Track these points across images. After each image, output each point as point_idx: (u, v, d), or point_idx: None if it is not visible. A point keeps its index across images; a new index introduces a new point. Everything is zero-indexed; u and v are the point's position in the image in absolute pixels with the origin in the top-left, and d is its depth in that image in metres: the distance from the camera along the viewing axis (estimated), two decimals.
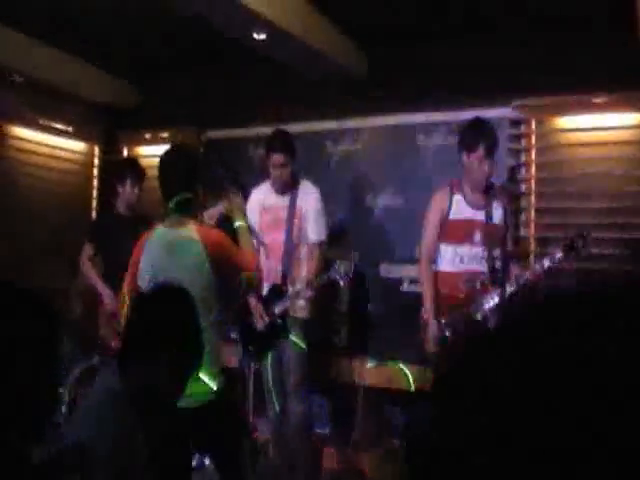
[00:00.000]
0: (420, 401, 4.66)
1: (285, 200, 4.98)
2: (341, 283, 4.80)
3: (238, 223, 3.97)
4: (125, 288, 4.06)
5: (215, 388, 3.54)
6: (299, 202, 4.94)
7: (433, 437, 0.74)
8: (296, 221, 4.92)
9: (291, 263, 4.91)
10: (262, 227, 5.03)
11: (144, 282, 3.60)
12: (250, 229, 4.24)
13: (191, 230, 3.62)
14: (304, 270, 4.90)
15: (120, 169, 6.04)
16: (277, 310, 4.79)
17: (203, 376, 3.46)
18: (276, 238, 4.94)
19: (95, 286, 5.66)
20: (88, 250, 5.74)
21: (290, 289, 4.84)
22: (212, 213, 5.00)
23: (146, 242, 3.74)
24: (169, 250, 3.61)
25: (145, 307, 2.74)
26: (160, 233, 3.71)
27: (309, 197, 4.96)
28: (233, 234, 3.91)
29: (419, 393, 4.98)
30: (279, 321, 4.80)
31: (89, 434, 2.36)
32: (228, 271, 3.69)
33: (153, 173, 5.94)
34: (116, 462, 2.35)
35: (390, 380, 5.35)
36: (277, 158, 4.86)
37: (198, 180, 3.76)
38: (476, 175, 4.39)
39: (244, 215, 4.12)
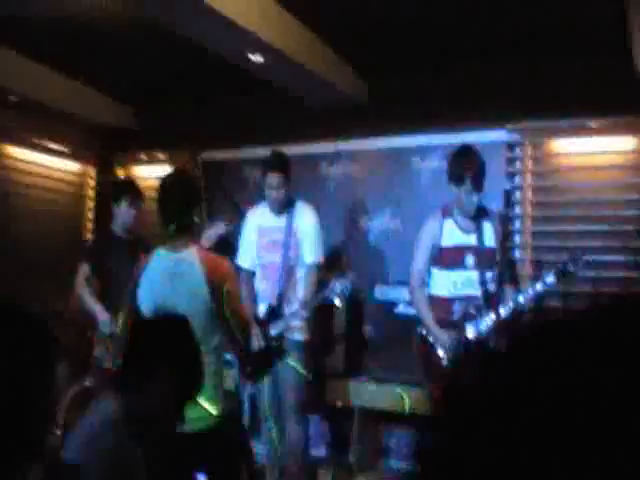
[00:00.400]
0: (427, 422, 4.63)
1: (281, 221, 4.96)
2: (337, 303, 4.77)
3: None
4: (124, 313, 4.04)
5: (216, 413, 3.52)
6: (295, 223, 4.93)
7: (451, 456, 0.73)
8: (292, 242, 4.90)
9: (288, 284, 4.89)
10: (258, 248, 5.02)
11: (144, 307, 3.57)
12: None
13: (192, 253, 3.60)
14: (300, 291, 4.88)
15: (116, 189, 6.01)
16: (273, 331, 4.77)
17: (203, 402, 3.44)
18: (273, 259, 4.93)
19: (90, 307, 5.62)
20: (84, 270, 5.69)
21: (286, 310, 4.82)
22: (210, 234, 5.00)
23: (145, 266, 3.71)
24: (169, 274, 3.58)
25: (145, 333, 2.73)
26: (160, 257, 3.68)
27: (306, 218, 4.95)
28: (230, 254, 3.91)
29: (415, 415, 4.96)
30: (275, 343, 4.77)
31: (86, 458, 2.34)
32: (225, 299, 3.60)
33: (149, 194, 5.99)
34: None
35: (386, 402, 5.33)
36: (273, 178, 4.85)
37: (198, 206, 3.77)
38: (465, 205, 4.41)
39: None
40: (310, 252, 4.91)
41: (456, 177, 4.36)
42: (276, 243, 4.95)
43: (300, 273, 4.93)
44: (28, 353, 1.77)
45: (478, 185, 4.32)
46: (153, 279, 3.62)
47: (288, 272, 4.90)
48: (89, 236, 7.31)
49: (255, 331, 4.79)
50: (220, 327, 3.65)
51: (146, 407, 2.55)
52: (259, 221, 5.07)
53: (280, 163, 4.92)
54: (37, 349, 1.80)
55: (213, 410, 3.51)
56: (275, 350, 4.78)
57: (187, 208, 3.69)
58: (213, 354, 3.56)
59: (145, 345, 2.67)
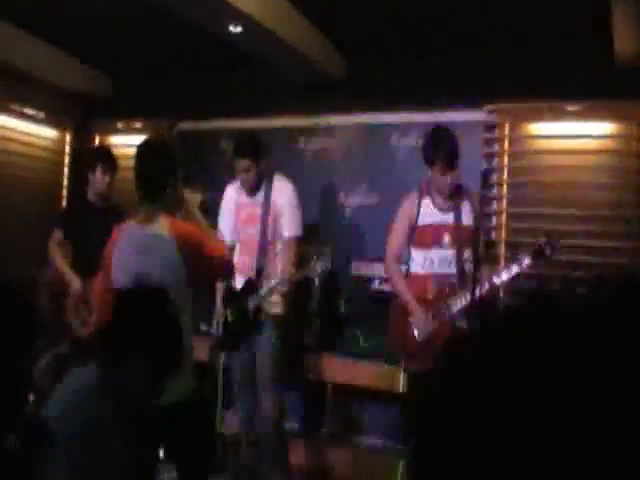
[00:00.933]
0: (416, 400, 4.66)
1: (259, 196, 4.97)
2: (316, 280, 4.80)
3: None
4: (97, 284, 4.00)
5: (187, 387, 3.50)
6: (274, 197, 4.93)
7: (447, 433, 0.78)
8: (270, 217, 4.90)
9: (266, 259, 4.90)
10: (237, 223, 5.03)
11: (117, 280, 3.51)
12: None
13: (162, 226, 3.53)
14: (279, 266, 4.89)
15: (91, 156, 5.99)
16: (251, 305, 4.78)
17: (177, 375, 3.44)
18: (251, 234, 4.93)
19: (62, 273, 5.60)
20: (57, 236, 5.67)
21: (264, 284, 4.82)
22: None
23: (118, 239, 3.64)
24: (141, 248, 3.51)
25: (125, 306, 2.72)
26: (131, 230, 3.61)
27: (284, 192, 4.95)
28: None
29: (387, 391, 5.01)
30: (252, 316, 4.79)
31: (69, 425, 2.35)
32: (201, 265, 3.59)
33: (125, 163, 5.96)
34: (86, 450, 2.34)
35: (360, 377, 5.38)
36: (242, 163, 4.85)
37: (173, 174, 3.64)
38: (439, 186, 4.46)
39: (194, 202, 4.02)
40: (288, 226, 4.90)
41: (428, 159, 4.40)
42: (254, 217, 4.95)
43: (278, 247, 4.93)
44: (3, 321, 1.78)
45: (450, 166, 4.35)
46: (126, 253, 3.56)
47: (266, 246, 4.90)
48: (64, 203, 7.26)
49: (231, 303, 4.84)
50: (190, 298, 3.62)
51: (125, 380, 2.56)
52: (237, 196, 5.07)
53: (248, 148, 4.89)
54: (13, 317, 1.81)
55: (186, 383, 3.47)
56: (251, 323, 4.80)
57: (159, 176, 3.59)
58: (186, 326, 3.45)
59: (125, 318, 2.67)
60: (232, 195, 5.11)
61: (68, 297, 5.58)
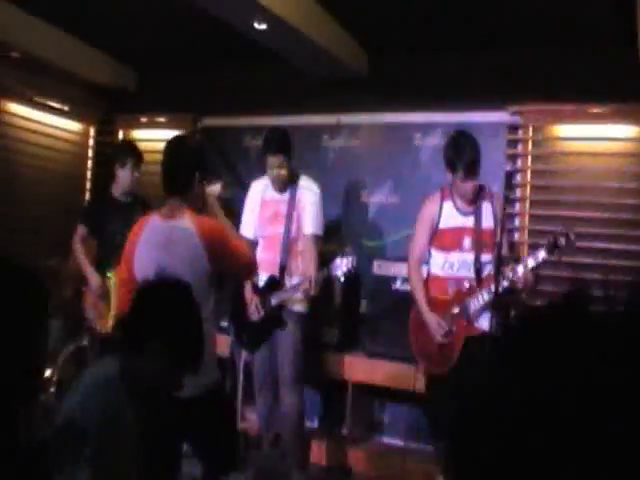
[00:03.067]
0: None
1: (285, 194, 4.98)
2: (341, 279, 4.80)
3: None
4: (118, 275, 4.04)
5: (209, 381, 3.53)
6: (298, 197, 4.95)
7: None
8: (295, 214, 4.92)
9: (289, 256, 4.92)
10: (261, 220, 5.04)
11: (140, 273, 3.54)
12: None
13: (187, 221, 3.57)
14: (302, 263, 4.92)
15: (120, 151, 5.99)
16: (274, 302, 4.82)
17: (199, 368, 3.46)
18: (275, 231, 4.95)
19: (83, 268, 5.65)
20: (81, 232, 5.72)
21: (287, 282, 4.86)
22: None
23: (142, 232, 3.68)
24: (164, 241, 3.55)
25: (148, 299, 2.75)
26: (155, 223, 3.65)
27: (308, 192, 4.97)
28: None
29: (408, 391, 5.02)
30: (275, 313, 4.82)
31: (85, 415, 2.37)
32: (225, 261, 3.63)
33: (148, 157, 6.00)
34: (105, 443, 2.36)
35: (380, 377, 5.39)
36: (274, 160, 4.84)
37: (199, 170, 3.69)
38: (460, 191, 4.47)
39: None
40: (310, 224, 4.92)
41: (449, 165, 4.41)
42: (279, 215, 4.96)
43: (301, 245, 4.96)
44: (19, 302, 1.81)
45: (472, 172, 4.35)
46: (150, 246, 3.60)
47: (290, 244, 4.92)
48: (87, 195, 7.31)
49: (252, 307, 4.85)
50: (214, 293, 3.66)
51: (144, 372, 2.58)
52: (263, 193, 5.08)
53: (281, 143, 4.88)
54: (28, 299, 1.84)
55: (207, 377, 3.49)
56: (274, 320, 4.83)
57: (185, 172, 3.65)
58: (208, 320, 3.52)
59: (148, 310, 2.69)
60: (258, 191, 5.12)
61: (87, 293, 5.63)
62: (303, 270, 4.87)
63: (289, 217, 4.92)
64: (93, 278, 5.57)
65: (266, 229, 5.01)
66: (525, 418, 0.76)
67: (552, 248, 4.18)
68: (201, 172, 3.70)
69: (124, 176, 5.75)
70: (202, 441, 3.64)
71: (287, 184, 4.96)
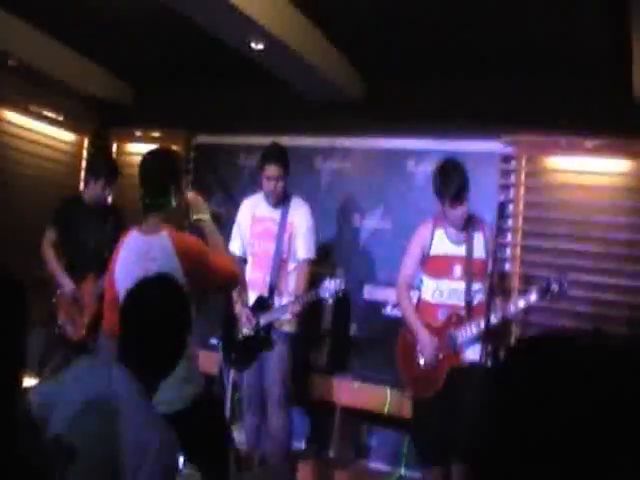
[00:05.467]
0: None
1: (276, 213, 4.99)
2: (329, 301, 4.80)
3: (198, 216, 3.82)
4: (105, 298, 4.02)
5: (195, 391, 3.56)
6: (290, 218, 4.95)
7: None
8: (286, 236, 4.92)
9: (279, 276, 4.91)
10: (251, 236, 5.04)
11: (119, 286, 3.53)
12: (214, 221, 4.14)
13: (164, 237, 3.54)
14: (292, 284, 4.91)
15: (97, 166, 5.96)
16: (262, 321, 4.79)
17: (176, 383, 3.38)
18: (265, 249, 4.95)
19: (54, 274, 5.59)
20: (50, 236, 5.66)
21: (277, 302, 4.85)
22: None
23: (121, 248, 3.67)
24: (143, 257, 3.52)
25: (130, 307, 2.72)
26: (134, 239, 3.64)
27: (300, 214, 4.98)
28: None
29: (395, 416, 5.02)
30: (263, 333, 4.80)
31: (70, 432, 2.34)
32: (203, 277, 3.58)
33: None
34: (92, 462, 2.33)
35: (368, 401, 5.38)
36: (272, 170, 4.86)
37: (178, 185, 3.66)
38: (450, 218, 4.50)
39: (206, 210, 4.00)
40: (303, 248, 4.93)
41: (437, 192, 4.45)
42: (269, 233, 4.96)
43: (291, 266, 4.96)
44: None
45: (459, 199, 4.38)
46: (128, 262, 3.58)
47: (280, 264, 4.92)
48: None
49: (244, 319, 4.83)
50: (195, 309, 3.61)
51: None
52: (254, 210, 5.08)
53: (280, 155, 4.92)
54: (6, 305, 1.85)
55: (192, 387, 3.53)
56: (262, 340, 4.81)
57: (163, 187, 3.59)
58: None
59: (130, 320, 2.66)
60: (249, 207, 5.12)
61: (59, 298, 5.58)
62: (293, 291, 4.87)
63: (280, 237, 4.91)
64: (65, 282, 5.53)
65: (256, 246, 5.01)
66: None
67: (544, 293, 4.22)
68: (177, 185, 3.65)
69: (95, 189, 5.75)
70: (194, 453, 3.62)
71: (281, 200, 4.97)
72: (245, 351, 4.86)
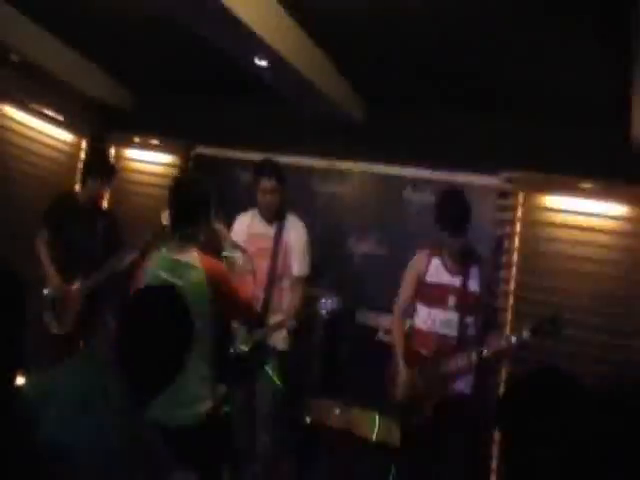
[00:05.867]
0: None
1: (271, 230, 4.99)
2: (324, 314, 4.69)
3: (228, 253, 4.02)
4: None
5: (201, 412, 3.63)
6: (285, 235, 4.95)
7: None
8: (281, 252, 4.93)
9: (273, 293, 4.90)
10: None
11: None
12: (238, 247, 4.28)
13: (193, 257, 3.64)
14: (286, 302, 4.91)
15: (95, 164, 6.01)
16: (256, 337, 4.72)
17: (190, 399, 3.56)
18: (260, 266, 4.86)
19: (44, 269, 5.58)
20: (43, 233, 5.67)
21: (271, 319, 4.82)
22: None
23: (147, 263, 3.76)
24: (170, 273, 3.61)
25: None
26: (163, 256, 3.72)
27: (296, 231, 5.00)
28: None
29: (382, 443, 5.01)
30: (256, 350, 4.74)
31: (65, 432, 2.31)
32: (227, 304, 3.73)
33: (137, 178, 5.97)
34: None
35: (357, 426, 5.38)
36: (266, 184, 4.87)
37: (207, 209, 3.79)
38: (449, 248, 4.52)
39: (231, 243, 4.12)
40: (298, 265, 4.95)
41: (439, 222, 4.46)
42: (264, 251, 4.94)
43: (286, 284, 4.95)
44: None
45: (458, 230, 4.40)
46: (154, 277, 3.63)
47: (274, 281, 4.91)
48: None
49: (239, 335, 4.77)
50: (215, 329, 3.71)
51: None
52: (248, 227, 5.07)
53: (274, 169, 4.94)
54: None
55: (199, 408, 3.61)
56: (255, 357, 4.75)
57: (192, 209, 3.74)
58: (204, 356, 3.65)
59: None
60: (244, 224, 5.11)
61: (45, 292, 5.56)
62: (288, 307, 4.85)
63: (275, 254, 4.92)
64: (54, 280, 5.53)
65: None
66: None
67: (537, 332, 4.22)
68: (209, 211, 3.79)
69: (92, 186, 5.78)
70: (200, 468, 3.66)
71: (276, 215, 4.97)
72: (236, 368, 4.78)
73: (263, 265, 4.91)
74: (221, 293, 3.63)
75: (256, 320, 4.40)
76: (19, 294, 1.97)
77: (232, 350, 4.78)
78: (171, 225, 3.76)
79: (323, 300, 4.64)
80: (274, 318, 4.82)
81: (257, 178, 4.93)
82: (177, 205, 3.77)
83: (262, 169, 4.94)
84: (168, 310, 2.61)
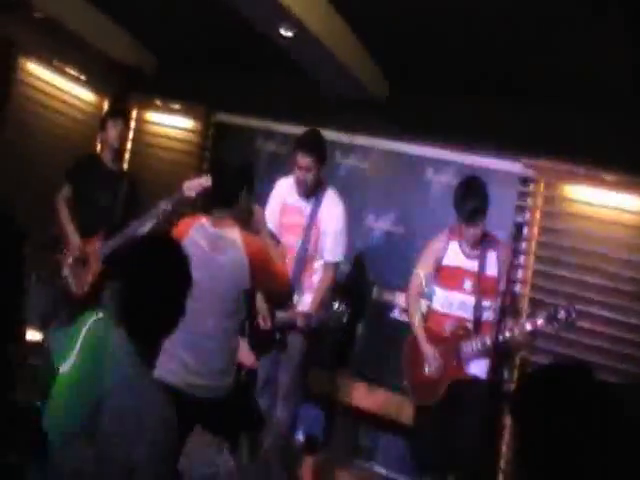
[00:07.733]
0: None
1: (308, 205, 4.80)
2: (341, 319, 4.57)
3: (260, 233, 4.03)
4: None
5: (227, 384, 3.72)
6: (321, 214, 4.75)
7: None
8: (314, 232, 4.75)
9: (302, 271, 4.74)
10: (279, 226, 4.84)
11: None
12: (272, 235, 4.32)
13: (234, 231, 3.73)
14: (315, 283, 4.77)
15: (114, 111, 6.13)
16: (279, 316, 4.61)
17: (217, 372, 3.66)
18: (291, 242, 4.76)
19: (64, 228, 5.57)
20: (65, 191, 5.67)
21: (297, 297, 4.71)
22: (192, 185, 4.87)
23: (190, 230, 3.80)
24: (211, 245, 3.71)
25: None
26: (204, 226, 3.80)
27: (332, 211, 4.78)
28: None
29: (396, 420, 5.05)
30: (278, 333, 4.65)
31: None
32: (266, 281, 3.84)
33: (157, 142, 5.95)
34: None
35: (369, 402, 5.42)
36: (301, 160, 4.63)
37: (249, 186, 3.88)
38: (465, 234, 4.57)
39: (266, 226, 4.14)
40: (332, 250, 4.76)
41: (458, 208, 4.50)
42: (297, 227, 4.79)
43: (317, 264, 4.80)
44: None
45: (474, 219, 4.45)
46: (196, 245, 3.69)
47: (304, 260, 4.75)
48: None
49: (260, 319, 4.65)
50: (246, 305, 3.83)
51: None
52: (286, 196, 4.89)
53: (315, 144, 4.69)
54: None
55: (225, 381, 3.70)
56: (278, 335, 4.66)
57: (232, 187, 3.84)
58: (233, 330, 3.77)
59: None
60: (281, 193, 4.93)
61: (65, 253, 5.55)
62: (314, 296, 4.71)
63: (307, 232, 4.74)
64: (73, 238, 5.52)
65: (281, 237, 4.78)
66: None
67: (551, 320, 4.26)
68: (248, 189, 3.86)
69: (114, 132, 5.75)
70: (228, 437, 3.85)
71: (312, 191, 4.76)
72: (262, 341, 4.66)
73: (294, 242, 4.76)
74: (260, 271, 3.71)
75: (289, 299, 4.43)
76: (17, 239, 1.97)
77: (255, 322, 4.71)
78: (212, 202, 3.89)
79: (331, 312, 4.51)
80: (299, 297, 4.72)
81: (295, 150, 4.69)
82: (220, 186, 3.92)
83: (302, 142, 4.69)
84: (166, 258, 2.60)
